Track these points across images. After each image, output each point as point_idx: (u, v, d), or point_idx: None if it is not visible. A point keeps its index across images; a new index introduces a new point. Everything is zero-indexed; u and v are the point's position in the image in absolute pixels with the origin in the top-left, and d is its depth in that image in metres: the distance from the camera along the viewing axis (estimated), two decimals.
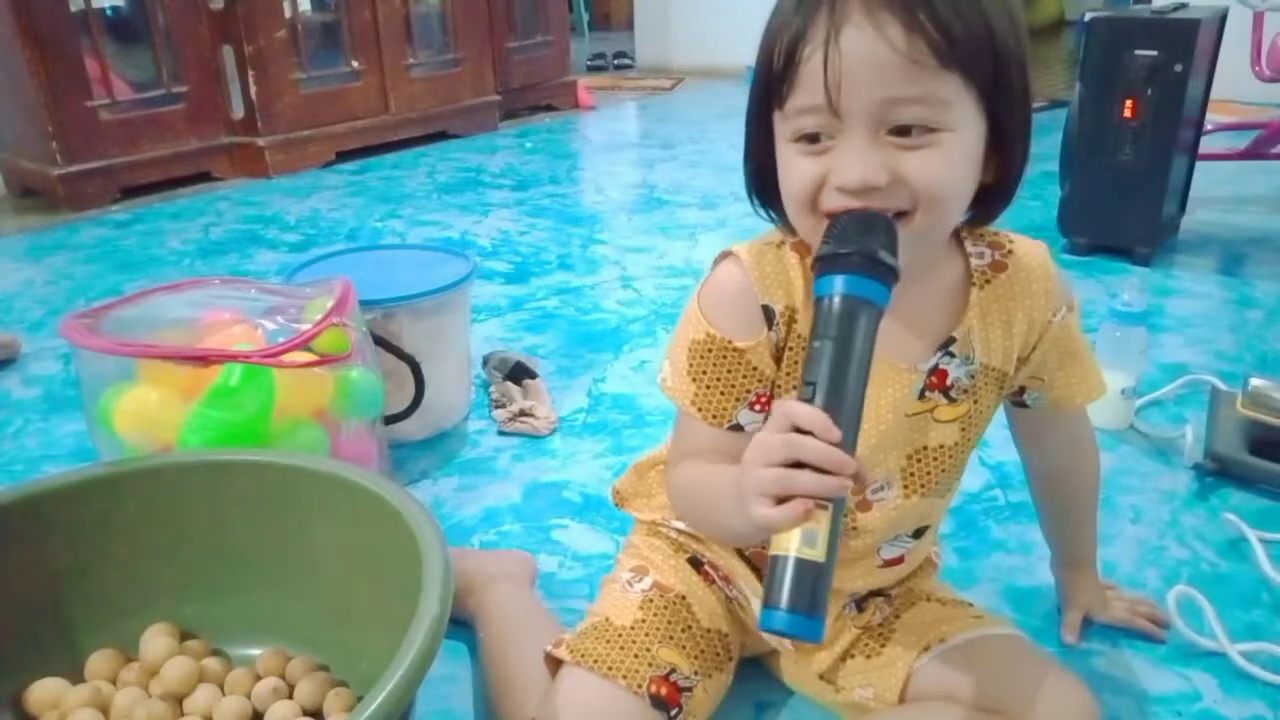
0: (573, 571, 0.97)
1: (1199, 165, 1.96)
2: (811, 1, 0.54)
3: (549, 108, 3.79)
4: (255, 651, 0.76)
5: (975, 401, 0.68)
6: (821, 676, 0.75)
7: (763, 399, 0.66)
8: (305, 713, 0.70)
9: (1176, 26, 1.67)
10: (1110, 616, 0.85)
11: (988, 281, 0.66)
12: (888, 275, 0.53)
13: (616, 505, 0.88)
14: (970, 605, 0.76)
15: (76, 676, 0.73)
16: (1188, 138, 1.83)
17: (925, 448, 0.68)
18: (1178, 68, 1.66)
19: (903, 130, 0.54)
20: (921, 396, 0.66)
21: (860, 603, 0.76)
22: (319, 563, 0.75)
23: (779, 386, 0.66)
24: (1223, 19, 1.79)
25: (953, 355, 0.65)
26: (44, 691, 0.70)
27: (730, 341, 0.64)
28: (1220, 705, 0.78)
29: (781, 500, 0.51)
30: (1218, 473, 1.10)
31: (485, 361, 1.41)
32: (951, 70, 0.53)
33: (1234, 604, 0.89)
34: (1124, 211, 1.79)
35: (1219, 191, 2.29)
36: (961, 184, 0.57)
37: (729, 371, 0.65)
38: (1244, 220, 2.14)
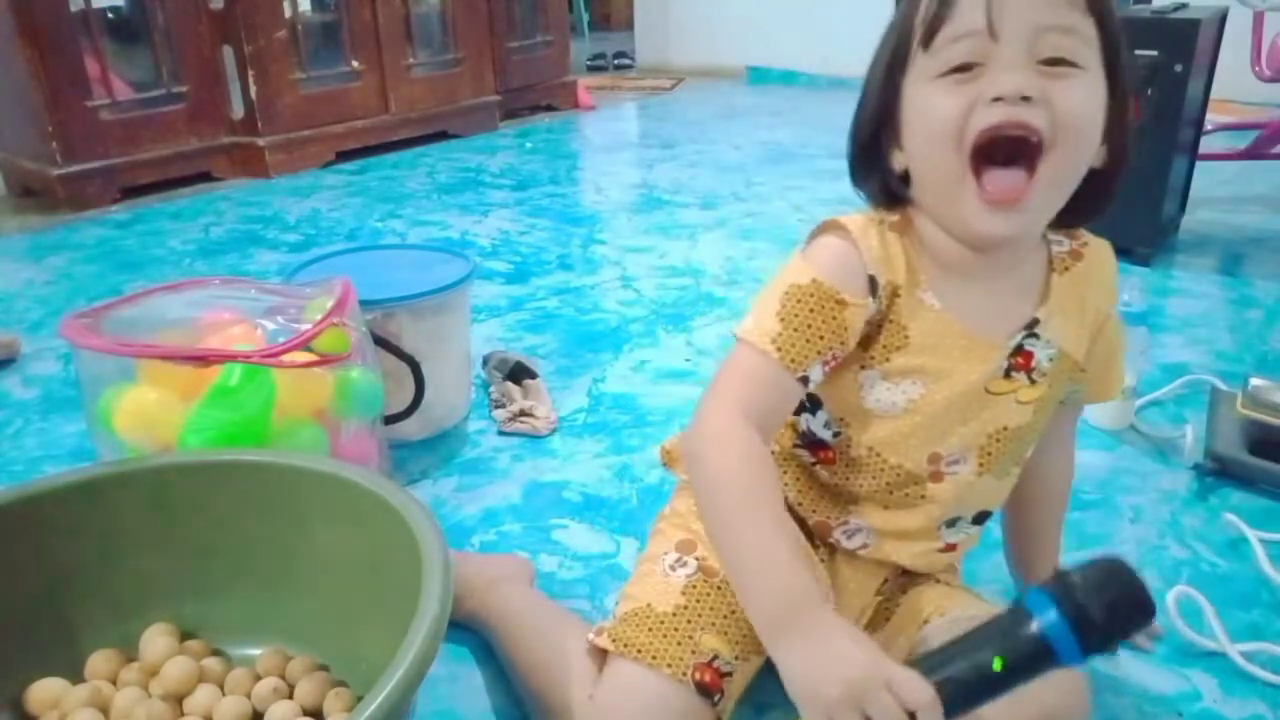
0: (573, 571, 0.97)
1: (1199, 165, 1.96)
2: None
3: (549, 108, 3.79)
4: (255, 651, 0.76)
5: (1050, 386, 0.70)
6: None
7: (837, 359, 0.66)
8: (305, 713, 0.70)
9: (1176, 26, 1.67)
10: None
11: (1067, 269, 0.69)
12: (1097, 651, 0.50)
13: (665, 465, 0.87)
14: (978, 594, 0.77)
15: (76, 676, 0.73)
16: (1188, 138, 1.83)
17: (1006, 428, 0.70)
18: (1178, 68, 1.66)
19: (1051, 62, 0.57)
20: (1007, 376, 0.68)
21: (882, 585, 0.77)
22: (319, 563, 0.75)
23: (872, 359, 0.67)
24: (1223, 19, 1.79)
25: (1037, 337, 0.68)
26: (44, 691, 0.70)
27: (837, 293, 0.64)
28: (1220, 705, 0.78)
29: None
30: (1218, 473, 1.10)
31: (485, 361, 1.41)
32: (1091, 15, 0.58)
33: (1234, 604, 0.89)
34: (1124, 211, 1.77)
35: (1219, 191, 2.29)
36: (1095, 124, 0.60)
37: (824, 322, 0.64)
38: (1244, 220, 2.14)
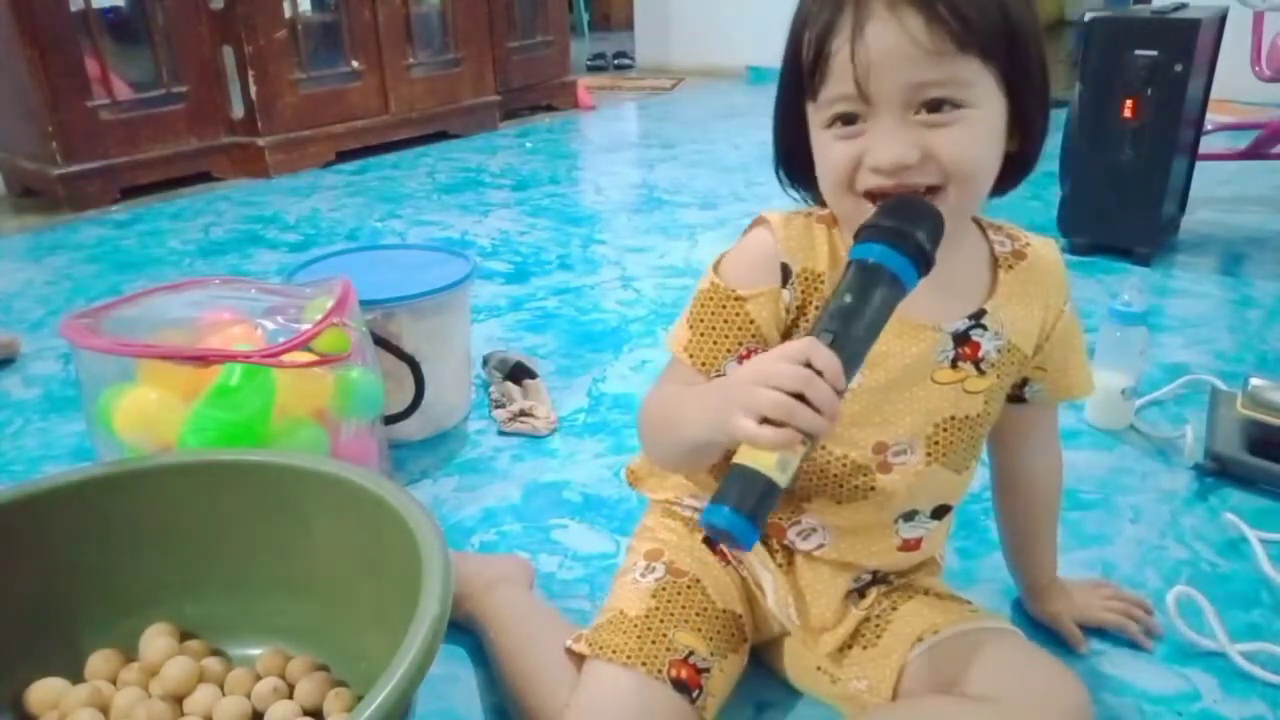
0: (573, 571, 0.97)
1: (1199, 165, 1.96)
2: None
3: (549, 108, 3.79)
4: (255, 651, 0.76)
5: (998, 377, 0.71)
6: (819, 667, 0.75)
7: (755, 351, 0.68)
8: (305, 713, 0.70)
9: (1176, 26, 1.67)
10: (1099, 620, 0.85)
11: (1010, 267, 0.70)
12: (921, 260, 0.56)
13: (630, 485, 0.89)
14: (968, 602, 0.77)
15: (76, 676, 0.73)
16: (1188, 138, 1.83)
17: (953, 418, 0.70)
18: (1178, 68, 1.66)
19: (930, 107, 0.57)
20: (954, 366, 0.69)
21: (863, 591, 0.76)
22: (319, 563, 0.75)
23: None
24: (1223, 19, 1.79)
25: (985, 328, 0.69)
26: (44, 691, 0.70)
27: (733, 291, 0.67)
28: (1220, 705, 0.78)
29: (767, 422, 0.53)
30: (1218, 473, 1.10)
31: (485, 361, 1.41)
32: (970, 54, 0.57)
33: (1234, 604, 0.89)
34: (1124, 211, 1.79)
35: (1219, 191, 2.29)
36: (988, 159, 0.61)
37: (725, 322, 0.68)
38: (1244, 220, 2.14)
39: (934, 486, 0.73)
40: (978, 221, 0.71)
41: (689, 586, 0.74)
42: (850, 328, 0.54)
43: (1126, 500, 1.07)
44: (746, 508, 0.52)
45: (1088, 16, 1.75)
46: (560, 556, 0.99)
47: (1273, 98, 2.70)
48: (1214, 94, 1.86)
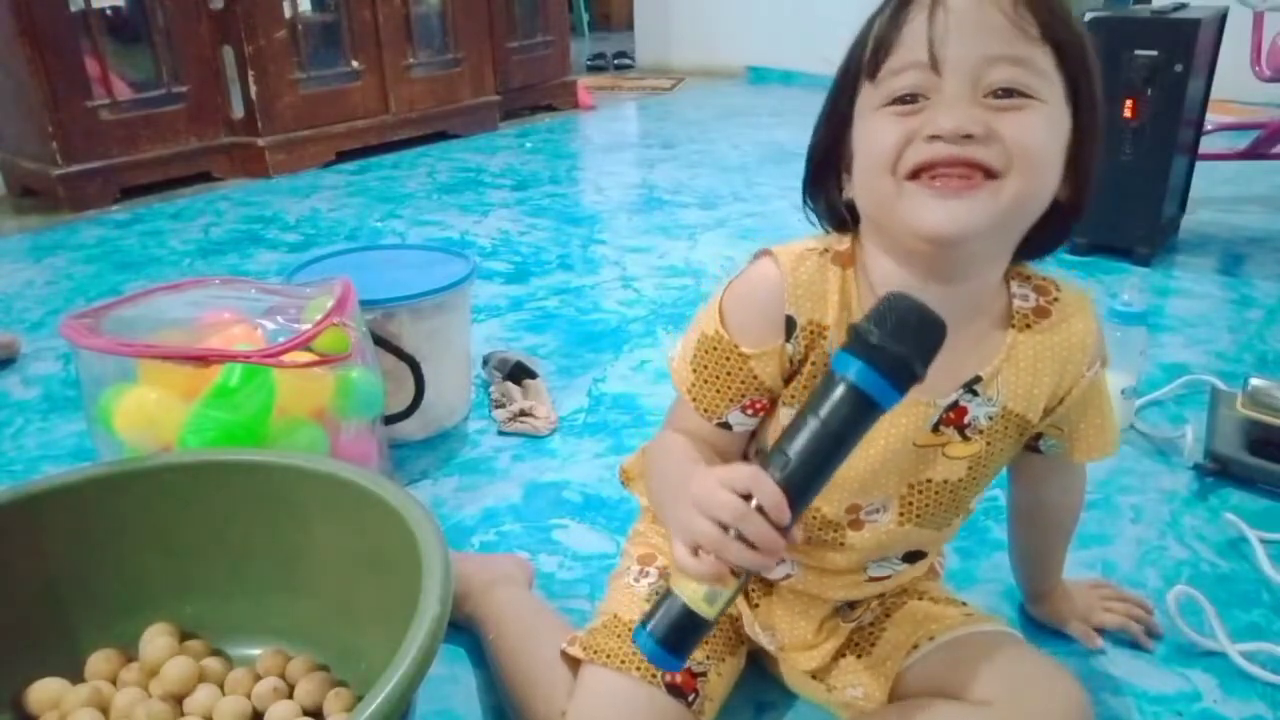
0: (573, 571, 0.97)
1: (1199, 165, 1.96)
2: None
3: (549, 108, 3.79)
4: (255, 651, 0.76)
5: (988, 444, 0.66)
6: (814, 676, 0.75)
7: (759, 404, 0.66)
8: (305, 713, 0.70)
9: (1176, 26, 1.67)
10: (1100, 621, 0.85)
11: (1028, 325, 0.65)
12: (908, 383, 0.50)
13: (623, 484, 0.89)
14: (963, 605, 0.76)
15: (76, 676, 0.73)
16: (1188, 138, 1.83)
17: (929, 480, 0.67)
18: (1178, 68, 1.66)
19: (1001, 94, 0.54)
20: (935, 430, 0.65)
21: (853, 602, 0.76)
22: (319, 563, 0.75)
23: (793, 397, 0.65)
24: (1223, 19, 1.79)
25: (975, 394, 0.64)
26: (44, 691, 0.70)
27: (736, 346, 0.64)
28: (1220, 705, 0.78)
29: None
30: (1218, 473, 1.10)
31: (485, 361, 1.41)
32: (1048, 45, 0.54)
33: (1234, 604, 0.89)
34: (1124, 211, 1.79)
35: (1219, 191, 2.29)
36: (1052, 156, 0.57)
37: (728, 374, 0.65)
38: (1244, 220, 2.14)
39: (908, 541, 0.71)
40: (1006, 271, 0.65)
41: None
42: (810, 454, 0.51)
43: (1126, 500, 1.07)
44: (669, 642, 0.51)
45: (1088, 16, 1.75)
46: (560, 556, 0.99)
47: (1273, 98, 2.70)
48: (1214, 94, 1.86)
